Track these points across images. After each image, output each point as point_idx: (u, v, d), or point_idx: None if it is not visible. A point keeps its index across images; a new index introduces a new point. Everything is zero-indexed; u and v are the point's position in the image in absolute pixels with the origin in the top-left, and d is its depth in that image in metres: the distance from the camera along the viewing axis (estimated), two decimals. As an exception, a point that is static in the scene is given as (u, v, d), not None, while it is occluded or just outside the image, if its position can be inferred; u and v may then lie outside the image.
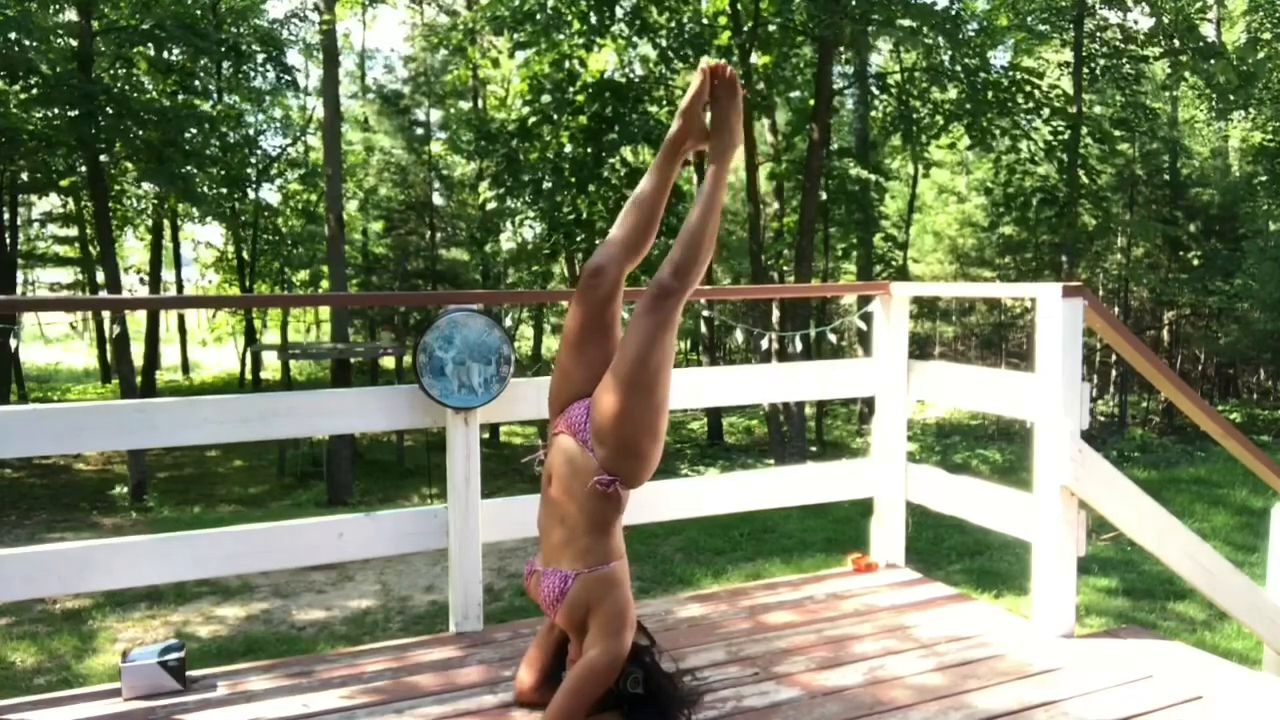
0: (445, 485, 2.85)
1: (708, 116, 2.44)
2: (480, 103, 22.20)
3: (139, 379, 19.37)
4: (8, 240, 20.32)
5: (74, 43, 14.93)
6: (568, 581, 2.19)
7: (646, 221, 2.39)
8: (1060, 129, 16.04)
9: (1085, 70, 17.93)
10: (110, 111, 14.34)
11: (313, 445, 16.66)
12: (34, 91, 14.32)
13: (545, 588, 2.23)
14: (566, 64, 14.19)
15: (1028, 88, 15.16)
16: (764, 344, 4.37)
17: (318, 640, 4.89)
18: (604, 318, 2.32)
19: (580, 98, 14.14)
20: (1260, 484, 5.70)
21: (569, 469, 2.23)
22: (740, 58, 14.54)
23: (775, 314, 15.61)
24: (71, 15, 15.04)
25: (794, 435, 15.66)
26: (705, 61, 2.42)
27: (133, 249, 30.17)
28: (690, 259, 2.24)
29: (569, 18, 13.70)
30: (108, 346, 25.46)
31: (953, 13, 14.74)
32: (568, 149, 14.76)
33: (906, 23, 13.73)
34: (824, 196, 16.74)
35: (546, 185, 15.19)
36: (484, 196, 16.42)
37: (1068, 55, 18.74)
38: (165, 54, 16.12)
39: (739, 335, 21.65)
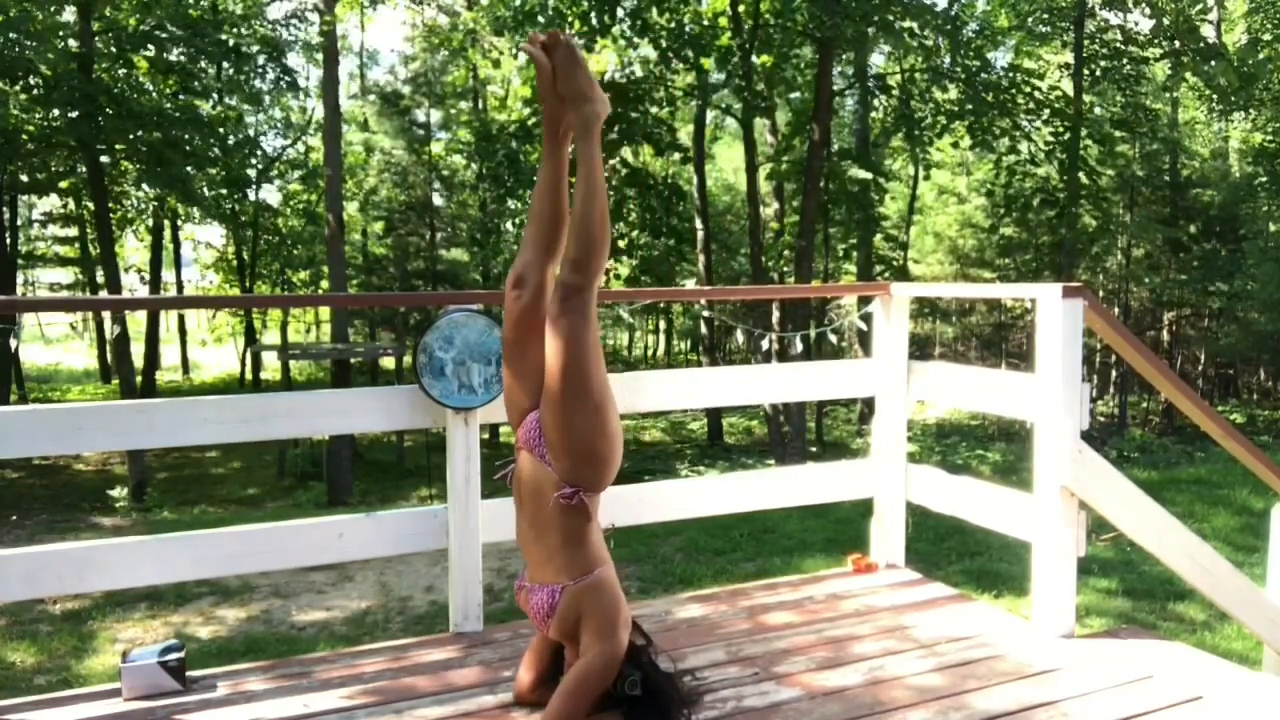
0: (445, 485, 2.85)
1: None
2: (480, 103, 22.20)
3: (139, 379, 19.38)
4: (8, 240, 20.32)
5: (74, 43, 14.94)
6: (555, 596, 2.19)
7: (553, 215, 2.31)
8: (1061, 130, 16.05)
9: (1086, 71, 17.93)
10: (110, 112, 14.35)
11: (313, 445, 16.67)
12: (34, 92, 14.32)
13: (534, 603, 2.23)
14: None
15: (1027, 89, 15.17)
16: (764, 344, 4.36)
17: (318, 640, 4.89)
18: (537, 324, 2.26)
19: (581, 98, 14.14)
20: (1261, 485, 5.70)
21: (533, 486, 2.23)
22: (741, 58, 14.55)
23: (775, 314, 15.61)
24: (71, 15, 15.04)
25: (794, 435, 15.66)
26: (530, 37, 2.32)
27: (133, 249, 30.18)
28: (587, 250, 2.17)
29: (570, 18, 13.71)
30: (108, 347, 25.46)
31: (953, 14, 14.75)
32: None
33: (907, 24, 13.73)
34: (824, 197, 16.74)
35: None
36: (483, 196, 16.42)
37: (1068, 56, 18.75)
38: (165, 55, 16.12)
39: (739, 335, 21.64)
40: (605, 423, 2.18)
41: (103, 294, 17.73)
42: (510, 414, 2.35)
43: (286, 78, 19.11)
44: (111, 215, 18.40)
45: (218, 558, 2.72)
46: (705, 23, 14.83)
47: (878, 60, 20.64)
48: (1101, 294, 24.25)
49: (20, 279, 24.16)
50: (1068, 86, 17.67)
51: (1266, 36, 19.21)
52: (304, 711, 2.33)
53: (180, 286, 30.77)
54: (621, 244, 16.40)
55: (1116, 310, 22.97)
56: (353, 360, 17.52)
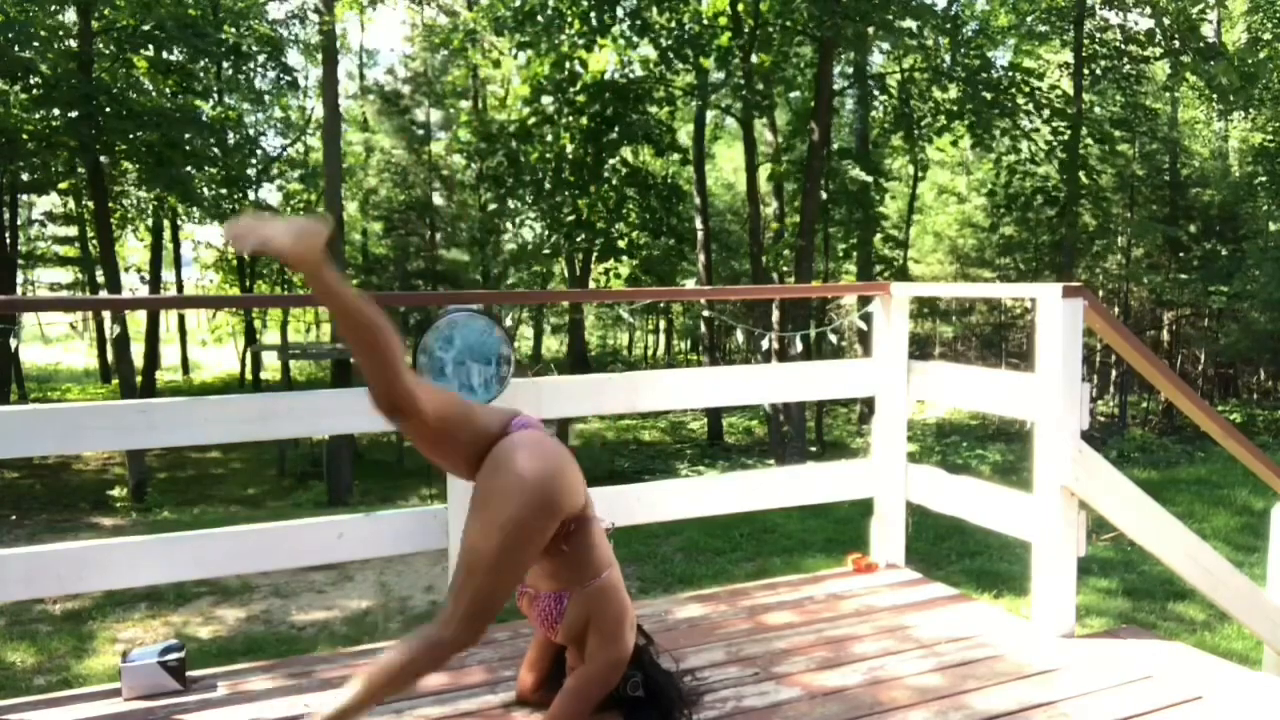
0: (445, 485, 2.85)
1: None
2: (480, 103, 22.21)
3: (139, 379, 19.39)
4: (8, 240, 20.33)
5: (74, 43, 14.94)
6: (562, 602, 2.17)
7: (367, 333, 1.92)
8: (1061, 129, 16.06)
9: (1086, 71, 17.94)
10: (110, 113, 14.35)
11: (313, 445, 16.67)
12: (34, 92, 14.33)
13: (541, 609, 2.22)
14: (567, 65, 14.20)
15: (1027, 88, 15.18)
16: (764, 344, 4.36)
17: (318, 640, 4.89)
18: (429, 426, 2.10)
19: (581, 98, 14.15)
20: (1261, 484, 5.70)
21: None
22: (741, 58, 14.55)
23: (775, 314, 15.62)
24: (71, 16, 15.05)
25: (794, 435, 15.65)
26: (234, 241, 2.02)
27: (133, 249, 30.20)
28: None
29: (570, 18, 13.71)
30: (108, 346, 25.47)
31: (952, 13, 14.76)
32: (568, 149, 14.77)
33: (907, 23, 13.74)
34: (824, 197, 16.74)
35: (547, 186, 15.21)
36: (484, 198, 16.44)
37: (1068, 56, 18.76)
38: (165, 55, 16.12)
39: (739, 335, 21.64)
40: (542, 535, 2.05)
41: (103, 294, 17.72)
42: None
43: (286, 77, 19.11)
44: (111, 215, 18.40)
45: (218, 557, 2.72)
46: (705, 23, 14.83)
47: (877, 60, 20.64)
48: (1101, 294, 24.24)
49: (20, 279, 24.16)
50: (1068, 86, 17.67)
51: (1266, 36, 19.22)
52: (304, 711, 2.33)
53: (180, 286, 30.77)
54: (621, 244, 16.40)
55: (1116, 310, 22.98)
56: (353, 360, 17.49)
